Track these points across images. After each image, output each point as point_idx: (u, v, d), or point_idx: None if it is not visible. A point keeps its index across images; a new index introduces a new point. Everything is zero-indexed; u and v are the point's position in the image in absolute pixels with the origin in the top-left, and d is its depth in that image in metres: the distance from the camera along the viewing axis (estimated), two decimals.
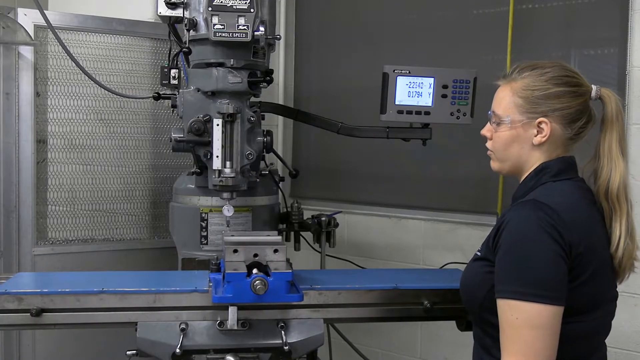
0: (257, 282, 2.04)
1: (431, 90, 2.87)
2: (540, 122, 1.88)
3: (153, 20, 3.52)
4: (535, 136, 1.89)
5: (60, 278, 2.47)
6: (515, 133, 1.91)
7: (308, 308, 2.27)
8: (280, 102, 4.14)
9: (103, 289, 2.21)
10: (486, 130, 2.01)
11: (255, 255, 2.19)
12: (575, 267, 1.75)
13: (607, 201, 1.88)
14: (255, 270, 2.11)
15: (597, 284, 1.82)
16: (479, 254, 1.92)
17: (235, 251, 2.17)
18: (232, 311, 2.16)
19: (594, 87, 1.94)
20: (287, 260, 2.27)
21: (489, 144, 2.01)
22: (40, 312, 2.15)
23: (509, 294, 1.72)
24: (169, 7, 2.67)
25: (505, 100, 1.93)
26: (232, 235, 2.41)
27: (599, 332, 1.92)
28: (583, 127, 1.93)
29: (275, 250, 2.20)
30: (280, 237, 2.39)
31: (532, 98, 1.89)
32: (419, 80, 2.86)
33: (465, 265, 2.01)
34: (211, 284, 2.27)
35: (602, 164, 1.91)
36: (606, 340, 3.25)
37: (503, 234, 1.77)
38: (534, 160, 1.93)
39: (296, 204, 3.08)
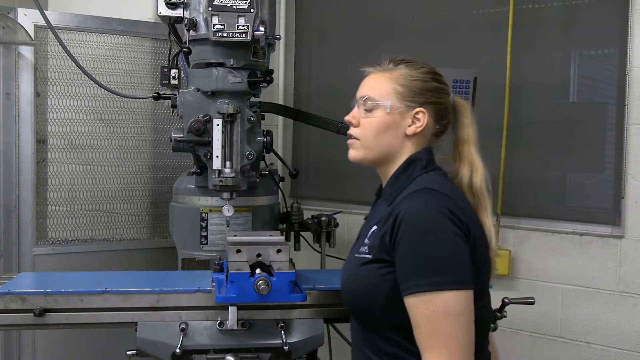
0: (260, 282, 2.04)
1: None
2: (417, 112, 1.91)
3: (153, 20, 3.52)
4: (410, 126, 1.91)
5: (63, 278, 2.46)
6: (392, 120, 1.91)
7: (310, 308, 2.28)
8: (280, 102, 4.14)
9: (106, 289, 2.20)
10: (351, 117, 1.97)
11: (259, 255, 2.18)
12: (471, 252, 1.75)
13: (473, 194, 1.92)
14: (258, 270, 2.11)
15: (485, 271, 1.85)
16: (367, 256, 1.84)
17: (239, 251, 2.17)
18: (232, 311, 2.16)
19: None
20: (290, 260, 2.28)
21: (354, 131, 1.96)
22: (43, 312, 2.14)
23: (420, 287, 1.68)
24: (169, 7, 2.66)
25: (383, 85, 1.92)
26: (235, 235, 2.41)
27: (488, 321, 1.96)
28: (446, 126, 1.98)
29: (279, 250, 2.19)
30: (283, 237, 2.39)
31: (412, 87, 1.91)
32: None
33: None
34: (214, 284, 2.28)
35: (462, 166, 1.95)
36: (606, 340, 3.29)
37: (401, 228, 1.73)
38: (404, 151, 1.94)
39: (296, 204, 3.08)
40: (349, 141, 1.98)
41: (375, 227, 1.86)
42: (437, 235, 1.71)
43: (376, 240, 1.82)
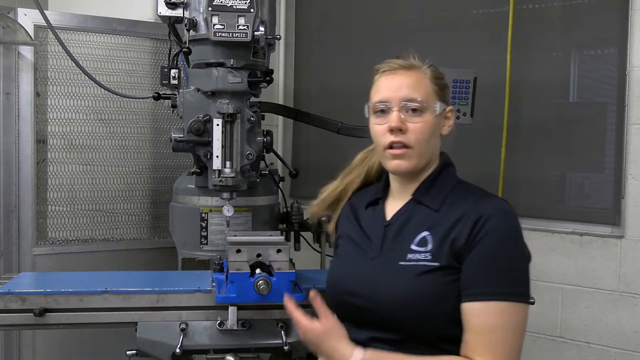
0: (260, 282, 2.04)
1: None
2: (448, 111, 1.85)
3: (153, 20, 3.52)
4: (443, 126, 1.84)
5: (63, 278, 2.47)
6: (438, 122, 1.81)
7: (310, 308, 2.27)
8: (280, 102, 4.14)
9: (106, 289, 2.21)
10: (400, 122, 1.76)
11: (259, 255, 2.18)
12: None
13: None
14: (258, 270, 2.11)
15: None
16: (431, 264, 1.69)
17: (239, 251, 2.17)
18: (232, 311, 2.17)
19: None
20: (290, 260, 2.28)
21: (405, 138, 1.76)
22: (43, 312, 2.15)
23: (500, 295, 1.63)
24: (169, 7, 2.67)
25: (423, 85, 1.79)
26: (235, 235, 2.41)
27: None
28: None
29: (279, 250, 2.19)
30: (283, 237, 2.39)
31: (442, 85, 1.84)
32: None
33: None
34: (214, 284, 2.28)
35: None
36: (606, 340, 3.29)
37: (484, 231, 1.66)
38: (437, 153, 1.86)
39: (296, 204, 3.08)
40: (398, 151, 1.77)
41: (426, 233, 1.75)
42: (521, 247, 1.69)
43: (441, 247, 1.70)
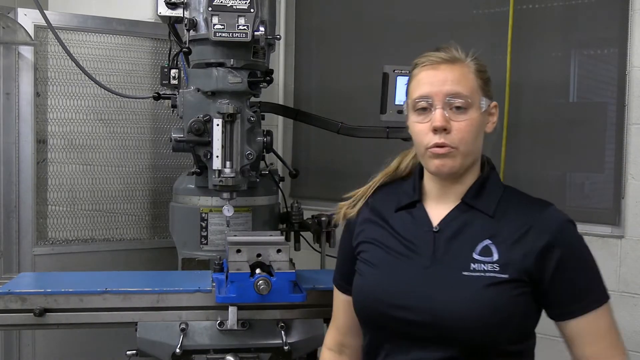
0: (260, 282, 2.04)
1: None
2: (494, 106, 1.73)
3: (153, 20, 3.52)
4: (487, 123, 1.72)
5: (63, 278, 2.47)
6: (483, 119, 1.68)
7: (310, 308, 2.28)
8: (280, 102, 4.14)
9: (106, 289, 2.21)
10: (445, 121, 1.62)
11: (259, 255, 2.19)
12: None
13: None
14: (258, 270, 2.11)
15: None
16: (500, 275, 1.59)
17: (239, 251, 2.17)
18: (232, 311, 2.17)
19: None
20: (290, 260, 2.28)
21: (448, 138, 1.63)
22: (43, 312, 2.15)
23: (600, 301, 1.65)
24: (169, 7, 2.67)
25: (469, 80, 1.66)
26: (235, 235, 2.41)
27: None
28: None
29: (279, 250, 2.19)
30: (283, 237, 2.40)
31: (486, 79, 1.71)
32: None
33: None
34: (214, 284, 2.28)
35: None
36: None
37: (563, 250, 1.62)
38: (480, 152, 1.74)
39: (296, 204, 3.08)
40: (441, 150, 1.63)
41: (488, 242, 1.64)
42: (588, 248, 1.71)
43: (510, 259, 1.60)
